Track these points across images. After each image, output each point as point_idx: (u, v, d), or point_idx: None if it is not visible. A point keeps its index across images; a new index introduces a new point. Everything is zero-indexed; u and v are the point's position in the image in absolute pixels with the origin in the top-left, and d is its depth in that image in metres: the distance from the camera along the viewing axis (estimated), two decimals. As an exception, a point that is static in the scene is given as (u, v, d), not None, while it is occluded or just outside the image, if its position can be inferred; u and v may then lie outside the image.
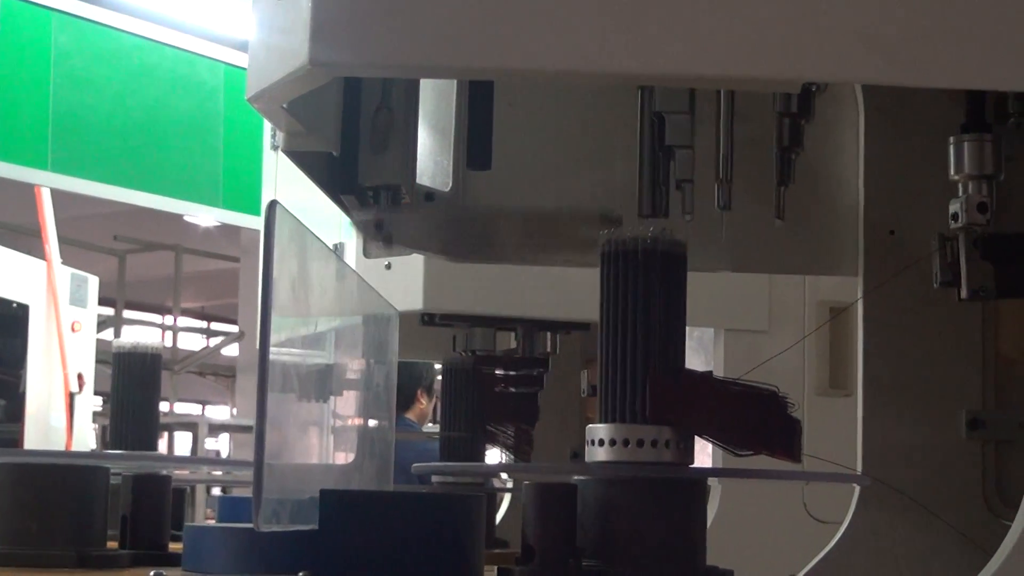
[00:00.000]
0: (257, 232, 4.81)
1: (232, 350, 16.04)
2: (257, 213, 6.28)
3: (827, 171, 2.49)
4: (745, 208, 2.14)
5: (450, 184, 2.48)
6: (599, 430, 1.94)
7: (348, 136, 2.01)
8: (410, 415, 6.60)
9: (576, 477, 1.95)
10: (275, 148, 4.14)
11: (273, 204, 1.68)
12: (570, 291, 3.33)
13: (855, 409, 2.49)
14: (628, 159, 2.16)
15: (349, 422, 2.38)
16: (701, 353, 3.89)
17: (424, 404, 6.80)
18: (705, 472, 2.13)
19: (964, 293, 2.11)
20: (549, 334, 3.57)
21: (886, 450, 2.39)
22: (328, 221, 3.49)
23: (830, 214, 2.52)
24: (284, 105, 1.83)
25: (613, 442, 1.92)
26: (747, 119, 2.12)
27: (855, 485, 2.36)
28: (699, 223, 2.08)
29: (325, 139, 1.95)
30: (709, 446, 3.79)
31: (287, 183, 4.04)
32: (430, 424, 7.19)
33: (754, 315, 3.81)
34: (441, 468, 2.33)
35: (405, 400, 6.42)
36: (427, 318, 3.42)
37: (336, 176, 2.03)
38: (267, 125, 4.26)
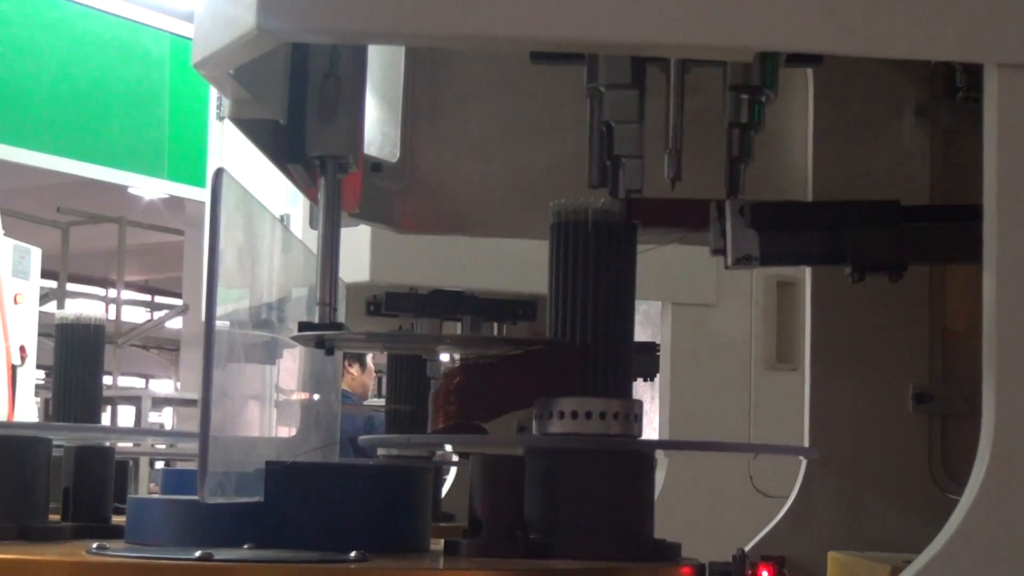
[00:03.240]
0: (202, 205, 4.79)
1: (176, 323, 15.94)
2: (202, 185, 6.24)
3: (776, 142, 2.48)
4: (694, 180, 2.13)
5: (398, 155, 2.46)
6: (547, 402, 1.93)
7: (295, 105, 1.98)
8: (344, 386, 6.60)
9: (523, 449, 1.94)
10: (221, 119, 4.10)
11: (220, 172, 1.66)
12: (520, 264, 3.32)
13: (802, 383, 2.48)
14: (579, 130, 2.15)
15: (294, 395, 2.37)
16: (648, 327, 3.89)
17: (356, 374, 6.79)
18: (652, 444, 2.13)
19: (729, 260, 2.11)
20: (496, 323, 3.56)
21: (833, 424, 2.40)
22: (275, 192, 3.46)
23: (779, 187, 2.52)
24: (231, 71, 1.80)
25: (561, 414, 1.92)
26: (696, 90, 2.11)
27: (801, 459, 2.37)
28: (649, 195, 2.06)
29: (272, 107, 1.93)
30: (656, 419, 3.82)
31: (233, 154, 4.01)
32: (372, 399, 7.19)
33: (702, 289, 3.81)
34: (386, 440, 2.31)
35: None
36: (372, 308, 3.40)
37: (283, 145, 2.01)
38: (213, 96, 4.22)
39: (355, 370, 6.80)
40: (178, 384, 16.99)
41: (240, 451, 1.88)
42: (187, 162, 7.86)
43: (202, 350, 1.72)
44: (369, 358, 7.13)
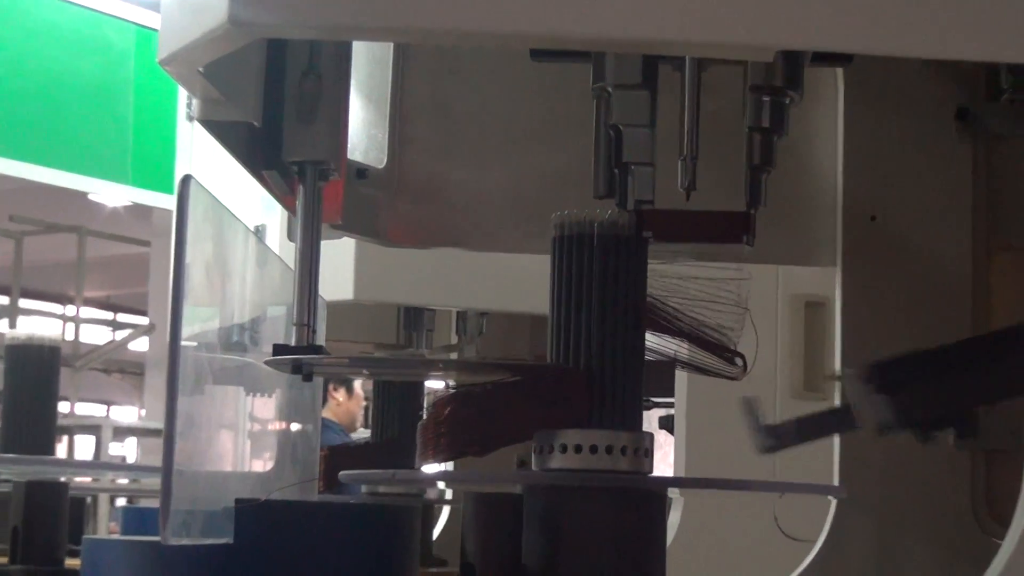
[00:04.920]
0: (170, 213, 4.80)
1: (141, 344, 15.97)
2: (170, 191, 6.27)
3: (801, 152, 2.50)
4: (712, 190, 2.14)
5: (385, 160, 2.48)
6: (548, 435, 1.94)
7: (271, 105, 1.99)
8: (328, 414, 6.59)
9: (521, 487, 1.95)
10: (191, 119, 4.11)
11: (187, 179, 1.68)
12: (519, 282, 3.33)
13: (832, 414, 2.49)
14: (586, 134, 2.16)
15: (269, 425, 2.38)
16: (662, 351, 3.89)
17: (342, 400, 6.79)
18: (664, 481, 2.13)
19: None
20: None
21: (866, 460, 2.40)
22: (249, 201, 3.48)
23: (805, 199, 2.53)
24: (200, 69, 1.82)
25: (563, 448, 1.92)
26: (713, 91, 2.12)
27: (831, 498, 2.37)
28: (660, 204, 2.07)
29: (245, 108, 1.94)
30: (671, 455, 3.82)
31: (204, 158, 4.03)
32: (361, 429, 7.18)
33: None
34: (369, 476, 2.31)
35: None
36: None
37: (257, 150, 2.02)
38: (182, 92, 4.23)
39: (341, 395, 6.81)
40: (143, 412, 17.00)
41: (208, 487, 1.89)
42: (154, 166, 7.87)
43: (167, 373, 1.73)
44: (357, 384, 7.14)
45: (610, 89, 2.03)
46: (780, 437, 2.17)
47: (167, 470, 1.69)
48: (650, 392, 2.10)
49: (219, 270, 1.89)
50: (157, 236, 13.46)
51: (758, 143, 2.09)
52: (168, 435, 1.71)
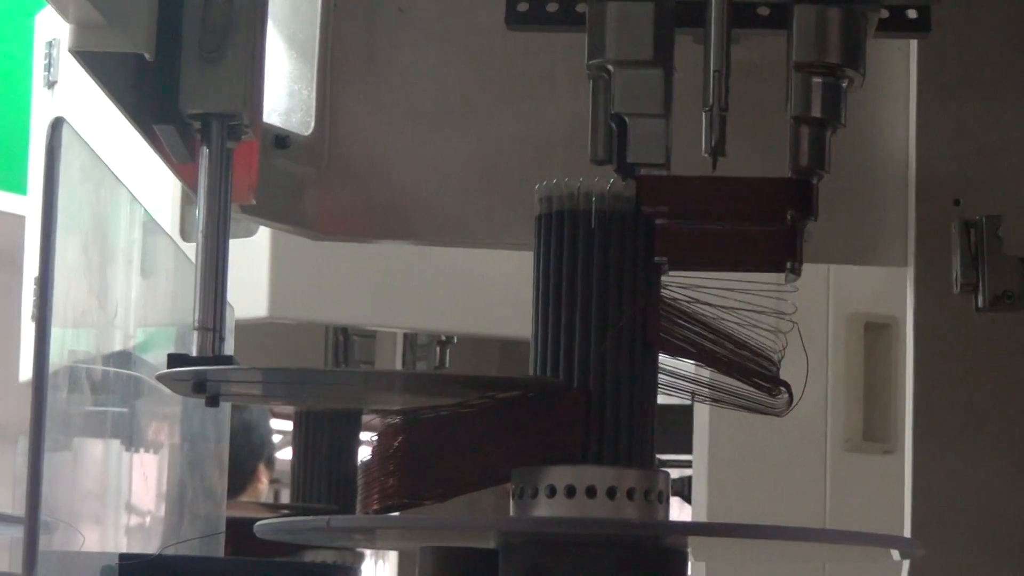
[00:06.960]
0: (19, 223, 4.75)
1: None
2: (18, 190, 6.23)
3: (858, 121, 2.52)
4: (745, 158, 2.15)
5: (312, 125, 2.49)
6: (530, 473, 1.96)
7: (168, 39, 2.01)
8: (247, 498, 6.58)
9: (496, 540, 1.95)
10: (50, 85, 4.12)
11: (59, 122, 1.69)
12: (483, 292, 3.33)
13: (900, 469, 2.51)
14: (573, 83, 2.17)
15: (161, 478, 2.38)
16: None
17: (266, 483, 6.77)
18: (685, 528, 2.15)
19: (981, 301, 2.19)
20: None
21: (945, 517, 2.42)
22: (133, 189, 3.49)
23: (864, 179, 2.55)
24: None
25: (551, 490, 1.94)
26: (747, 38, 2.14)
27: (901, 558, 2.38)
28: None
29: (133, 35, 1.94)
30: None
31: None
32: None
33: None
34: (294, 525, 2.29)
35: (243, 481, 6.42)
36: None
37: (149, 98, 2.03)
38: (38, 46, 4.23)
39: (266, 476, 6.77)
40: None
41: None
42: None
43: (31, 420, 1.72)
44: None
45: (611, 68, 2.04)
46: None
47: (30, 561, 1.69)
48: (658, 446, 2.11)
49: (100, 248, 1.90)
50: (-3, 263, 13.35)
51: (807, 139, 2.07)
52: (31, 519, 1.70)
